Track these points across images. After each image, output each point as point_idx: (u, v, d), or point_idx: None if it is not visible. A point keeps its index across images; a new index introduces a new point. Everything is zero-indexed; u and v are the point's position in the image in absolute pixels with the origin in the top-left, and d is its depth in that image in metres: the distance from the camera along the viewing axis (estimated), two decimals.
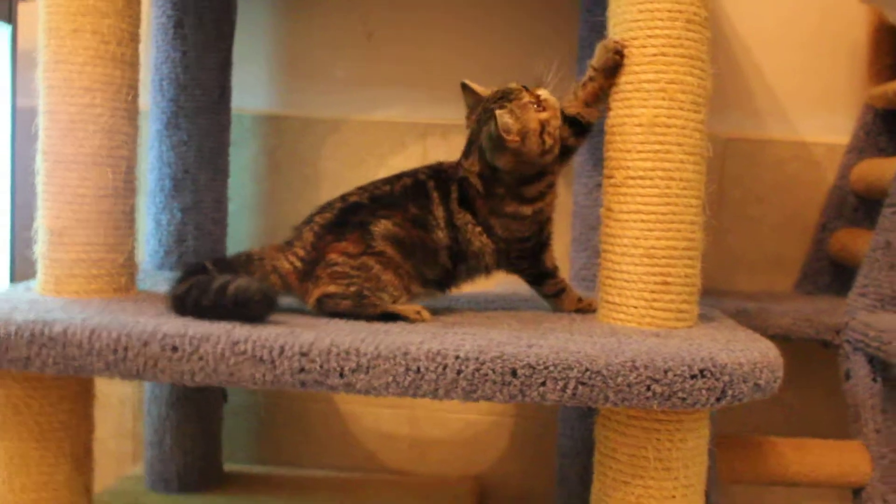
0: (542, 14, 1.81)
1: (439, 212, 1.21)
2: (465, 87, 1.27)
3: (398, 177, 1.24)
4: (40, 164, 1.27)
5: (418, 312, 1.19)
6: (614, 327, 1.19)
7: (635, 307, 1.20)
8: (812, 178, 1.79)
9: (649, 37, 1.17)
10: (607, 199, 1.23)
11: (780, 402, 1.73)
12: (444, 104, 1.83)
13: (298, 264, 1.18)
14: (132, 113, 1.30)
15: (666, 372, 0.99)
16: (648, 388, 1.00)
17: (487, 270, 1.27)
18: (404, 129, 1.82)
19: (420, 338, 1.05)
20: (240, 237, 1.83)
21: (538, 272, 1.29)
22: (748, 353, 1.05)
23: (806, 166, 1.79)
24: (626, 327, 1.19)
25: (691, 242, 1.19)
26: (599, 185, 1.51)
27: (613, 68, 1.19)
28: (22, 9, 1.71)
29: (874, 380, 1.46)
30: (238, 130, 1.77)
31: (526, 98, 1.21)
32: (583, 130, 1.25)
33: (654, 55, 1.17)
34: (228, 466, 1.79)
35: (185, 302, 1.12)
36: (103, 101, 1.26)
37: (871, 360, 1.46)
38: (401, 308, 1.18)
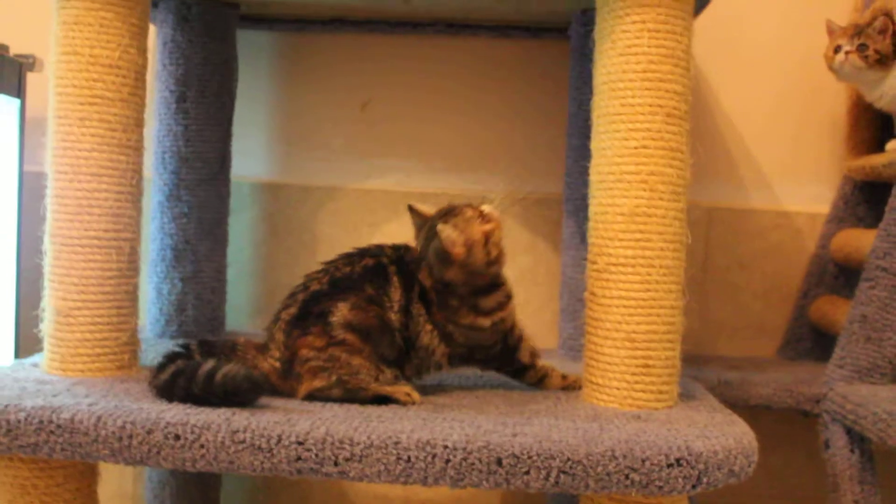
0: (532, 91, 1.88)
1: (396, 295, 1.25)
2: (411, 209, 1.33)
3: (361, 255, 1.28)
4: (48, 245, 1.33)
5: (408, 394, 1.24)
6: (597, 409, 1.24)
7: (617, 388, 1.25)
8: (794, 246, 1.85)
9: (631, 130, 1.23)
10: (591, 283, 1.28)
11: (763, 466, 1.76)
12: (437, 174, 1.89)
13: (277, 365, 1.23)
14: (136, 196, 1.36)
15: (643, 461, 1.04)
16: (627, 477, 1.04)
17: (439, 368, 1.30)
18: (398, 198, 1.87)
19: (411, 425, 1.09)
20: (239, 302, 1.88)
21: (514, 369, 1.33)
22: (723, 439, 1.10)
23: (788, 235, 1.85)
24: (608, 409, 1.24)
25: (672, 326, 1.25)
26: (587, 258, 1.58)
27: None
28: (30, 78, 1.77)
29: (852, 451, 1.50)
30: (237, 197, 1.83)
31: (469, 213, 1.26)
32: None
33: (636, 148, 1.23)
34: None
35: (174, 389, 1.16)
36: (109, 185, 1.32)
37: (849, 431, 1.50)
38: (391, 390, 1.23)
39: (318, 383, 1.21)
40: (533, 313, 1.87)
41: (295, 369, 1.22)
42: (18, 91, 1.73)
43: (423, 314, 1.26)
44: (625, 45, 1.23)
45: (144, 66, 1.36)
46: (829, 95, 1.83)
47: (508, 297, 1.31)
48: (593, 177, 1.28)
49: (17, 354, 1.72)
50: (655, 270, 1.23)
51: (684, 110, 1.25)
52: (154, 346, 1.59)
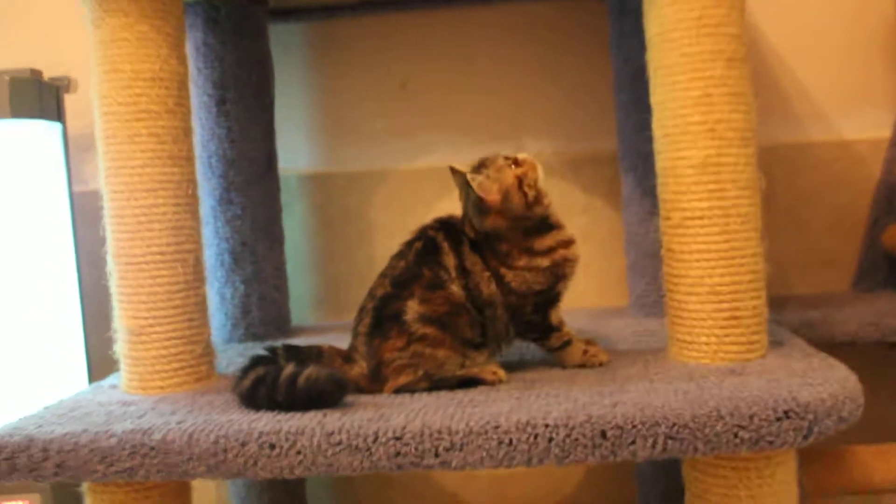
0: (572, 50, 1.83)
1: (449, 260, 1.23)
2: (452, 169, 1.31)
3: (410, 243, 1.27)
4: (112, 265, 1.32)
5: (494, 373, 1.22)
6: (688, 366, 1.21)
7: (707, 344, 1.22)
8: (858, 175, 1.79)
9: (692, 80, 1.19)
10: (667, 239, 1.25)
11: None
12: (484, 144, 1.86)
13: (366, 372, 1.22)
14: (194, 206, 1.34)
15: (751, 418, 1.01)
16: (736, 436, 1.01)
17: (507, 331, 1.27)
18: (448, 174, 1.84)
19: (507, 407, 1.07)
20: (301, 297, 1.87)
21: (545, 326, 1.28)
22: (828, 385, 1.06)
23: (850, 165, 1.80)
24: (699, 365, 1.21)
25: (755, 274, 1.21)
26: (650, 213, 1.56)
27: None
28: (67, 99, 1.76)
29: None
30: (286, 191, 1.81)
31: (500, 161, 1.24)
32: None
33: (699, 97, 1.19)
34: None
35: (256, 398, 1.15)
36: (166, 199, 1.30)
37: None
38: (476, 371, 1.21)
39: (403, 380, 1.19)
40: (597, 273, 1.84)
41: (382, 373, 1.20)
42: (58, 114, 1.73)
43: (479, 263, 1.24)
44: None
45: (186, 75, 1.34)
46: (877, 12, 1.77)
47: (571, 240, 1.27)
48: (657, 131, 1.24)
49: (91, 378, 1.72)
50: (733, 220, 1.19)
51: (744, 53, 1.21)
52: (224, 352, 1.59)
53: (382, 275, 1.27)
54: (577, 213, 1.83)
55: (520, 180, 1.23)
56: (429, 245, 1.25)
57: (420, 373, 1.19)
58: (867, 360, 1.66)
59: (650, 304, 1.63)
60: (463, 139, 1.87)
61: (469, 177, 1.22)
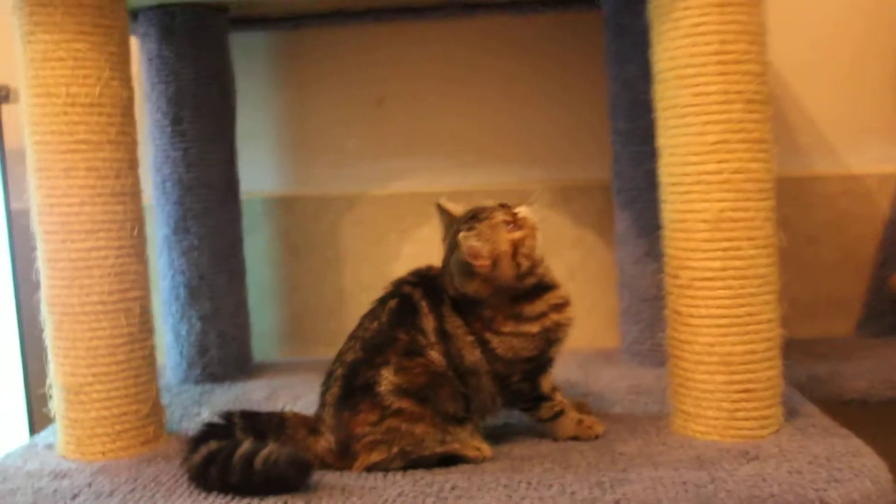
0: (564, 70, 1.69)
1: (428, 322, 1.09)
2: (439, 207, 1.17)
3: (383, 300, 1.13)
4: (46, 315, 1.17)
5: (477, 448, 1.08)
6: (694, 443, 1.08)
7: (716, 418, 1.09)
8: (865, 212, 1.67)
9: (707, 123, 1.06)
10: (673, 300, 1.12)
11: None
12: (467, 169, 1.71)
13: (334, 447, 1.07)
14: (139, 249, 1.20)
15: None
16: None
17: (493, 403, 1.12)
18: (427, 199, 1.68)
19: (494, 500, 0.93)
20: (262, 331, 1.72)
21: (534, 395, 1.14)
22: (858, 482, 0.94)
23: (858, 200, 1.67)
24: (707, 443, 1.08)
25: (771, 343, 1.09)
26: (646, 254, 1.43)
27: None
28: (5, 111, 1.60)
29: None
30: (250, 215, 1.66)
31: (499, 217, 1.09)
32: None
33: (715, 143, 1.06)
34: None
35: (207, 478, 1.01)
36: (107, 241, 1.15)
37: None
38: (458, 448, 1.08)
39: (375, 457, 1.05)
40: (587, 312, 1.70)
41: (353, 449, 1.06)
42: None
43: (461, 326, 1.10)
44: (690, 23, 1.06)
45: (131, 100, 1.19)
46: (888, 43, 1.65)
47: (565, 302, 1.13)
48: (665, 179, 1.11)
49: (30, 404, 1.57)
50: (749, 282, 1.07)
51: (765, 94, 1.08)
52: (178, 395, 1.45)
53: (353, 336, 1.12)
54: (567, 246, 1.70)
55: (515, 248, 1.08)
56: (405, 304, 1.11)
57: (395, 450, 1.05)
58: (876, 418, 1.55)
59: (644, 351, 1.50)
60: (443, 163, 1.72)
61: (461, 236, 1.07)
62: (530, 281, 1.10)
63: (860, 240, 1.68)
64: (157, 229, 1.54)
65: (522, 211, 1.11)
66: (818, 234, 1.68)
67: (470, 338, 1.09)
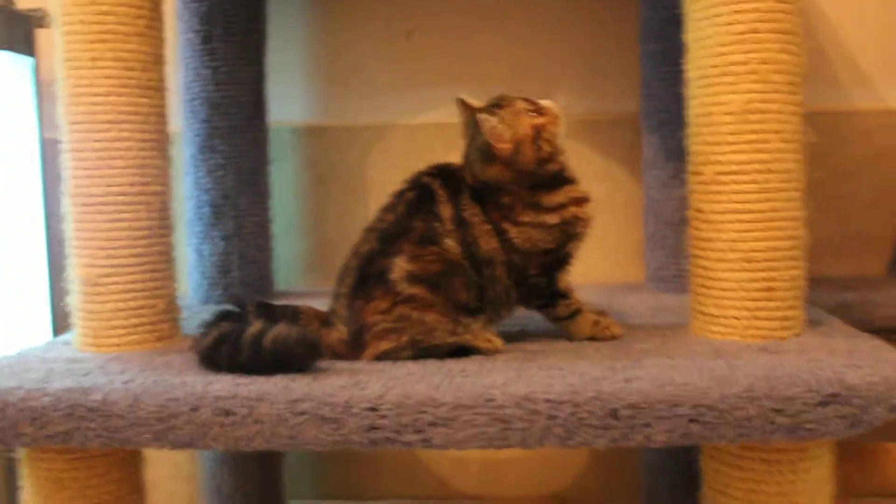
0: (591, 2, 1.67)
1: (446, 210, 1.08)
2: (460, 103, 1.16)
3: (401, 192, 1.12)
4: (68, 207, 1.17)
5: (489, 340, 1.07)
6: (715, 343, 1.06)
7: (737, 318, 1.07)
8: None
9: (736, 12, 1.03)
10: (695, 198, 1.10)
11: None
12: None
13: (345, 337, 1.06)
14: (163, 143, 1.19)
15: (791, 401, 0.86)
16: (771, 422, 0.86)
17: (508, 296, 1.11)
18: (454, 130, 1.68)
19: (503, 378, 0.92)
20: (287, 260, 1.72)
21: (551, 292, 1.12)
22: (879, 367, 0.91)
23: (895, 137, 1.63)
24: (727, 342, 1.06)
25: (795, 241, 1.06)
26: (673, 177, 1.41)
27: None
28: (41, 36, 1.61)
29: None
30: (277, 145, 1.66)
31: (520, 104, 1.09)
32: None
33: (743, 32, 1.03)
34: (292, 503, 1.69)
35: (216, 358, 1.01)
36: (131, 133, 1.15)
37: None
38: (469, 338, 1.06)
39: (385, 345, 1.04)
40: (613, 246, 1.68)
41: (364, 339, 1.05)
42: (29, 48, 1.58)
43: (479, 214, 1.09)
44: None
45: None
46: None
47: (585, 197, 1.12)
48: (692, 73, 1.09)
49: (55, 334, 1.58)
50: (774, 176, 1.04)
51: None
52: (199, 314, 1.43)
53: (369, 229, 1.11)
54: (594, 179, 1.66)
55: (537, 132, 1.08)
56: (423, 193, 1.10)
57: (405, 339, 1.04)
58: None
59: (669, 277, 1.48)
60: (471, 93, 1.70)
61: (481, 117, 1.07)
62: (552, 167, 1.09)
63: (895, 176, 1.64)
64: (184, 149, 1.54)
65: (545, 102, 1.10)
66: (854, 169, 1.64)
67: (487, 226, 1.08)
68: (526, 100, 1.10)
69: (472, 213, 1.08)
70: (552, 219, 1.09)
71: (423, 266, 1.05)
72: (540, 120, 1.08)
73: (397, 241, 1.07)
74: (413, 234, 1.07)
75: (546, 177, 1.10)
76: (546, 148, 1.08)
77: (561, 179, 1.11)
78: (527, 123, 1.07)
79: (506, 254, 1.08)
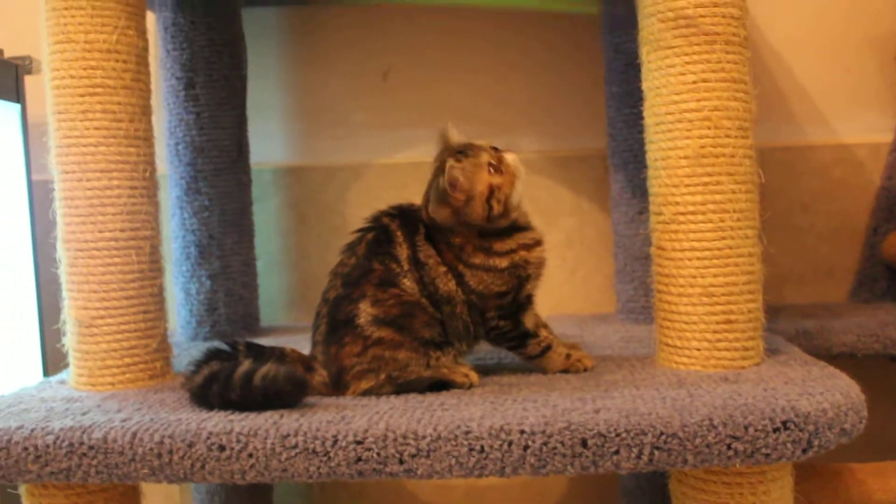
0: (565, 39, 1.75)
1: (402, 251, 1.13)
2: (442, 133, 1.20)
3: (363, 232, 1.17)
4: (61, 252, 1.22)
5: (466, 375, 1.13)
6: (678, 373, 1.12)
7: (698, 349, 1.13)
8: (857, 181, 1.72)
9: (688, 63, 1.11)
10: (657, 236, 1.16)
11: None
12: (469, 139, 1.76)
13: (327, 380, 1.12)
14: (151, 190, 1.25)
15: (746, 428, 0.93)
16: (729, 447, 0.93)
17: (468, 332, 1.16)
18: (429, 169, 1.75)
19: (479, 412, 0.98)
20: (271, 296, 1.77)
21: (518, 333, 1.17)
22: (830, 395, 0.98)
23: (850, 170, 1.72)
24: (690, 372, 1.12)
25: (751, 276, 1.13)
26: (641, 213, 1.47)
27: None
28: (28, 82, 1.67)
29: None
30: (259, 185, 1.72)
31: (484, 158, 1.13)
32: None
33: (696, 82, 1.11)
34: None
35: (208, 397, 1.06)
36: (120, 181, 1.21)
37: None
38: (446, 373, 1.12)
39: (365, 384, 1.10)
40: (584, 278, 1.75)
41: (344, 380, 1.11)
42: (17, 95, 1.63)
43: (434, 255, 1.13)
44: None
45: (145, 49, 1.25)
46: (878, 12, 1.70)
47: (537, 242, 1.17)
48: (649, 119, 1.16)
49: (46, 373, 1.62)
50: (729, 216, 1.11)
51: (743, 36, 1.13)
52: (187, 351, 1.49)
53: (334, 273, 1.17)
54: (565, 214, 1.75)
55: (490, 191, 1.11)
56: (381, 235, 1.15)
57: (382, 376, 1.10)
58: (865, 374, 1.58)
59: (638, 309, 1.55)
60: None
61: (448, 162, 1.11)
62: (501, 223, 1.14)
63: (852, 208, 1.72)
64: (170, 191, 1.60)
65: (509, 157, 1.15)
66: (811, 202, 1.72)
67: (443, 268, 1.13)
68: (492, 151, 1.15)
69: (426, 254, 1.13)
70: (502, 263, 1.14)
71: (384, 310, 1.11)
72: (496, 180, 1.12)
73: (360, 283, 1.12)
74: (373, 275, 1.12)
75: (495, 229, 1.14)
76: (497, 208, 1.12)
77: (513, 229, 1.16)
78: (484, 181, 1.12)
79: (465, 294, 1.14)
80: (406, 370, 1.10)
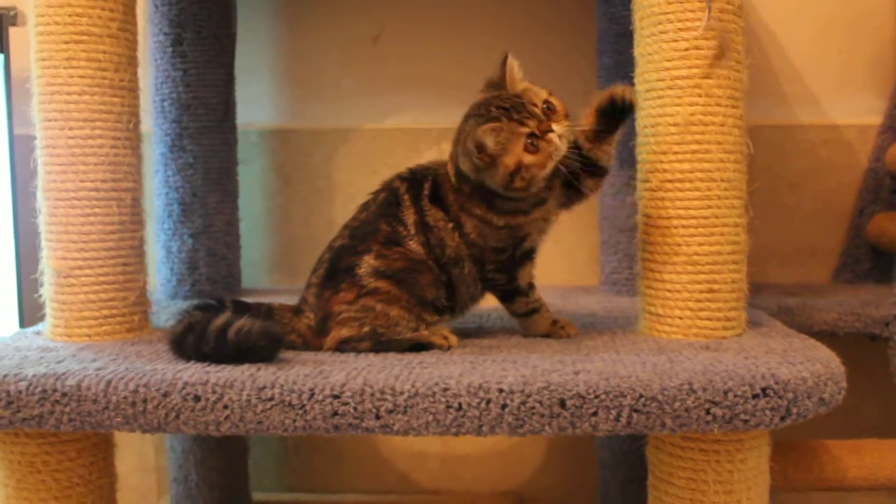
0: (556, 8, 1.73)
1: (409, 216, 1.12)
2: (505, 61, 1.12)
3: (377, 193, 1.17)
4: (42, 201, 1.21)
5: (445, 337, 1.12)
6: (660, 341, 1.12)
7: (680, 318, 1.13)
8: (845, 161, 1.71)
9: (680, 30, 1.10)
10: (643, 204, 1.16)
11: None
12: (456, 107, 1.72)
13: (312, 324, 1.12)
14: (134, 141, 1.24)
15: (725, 393, 0.92)
16: (708, 412, 0.92)
17: (475, 285, 1.15)
18: (417, 135, 1.75)
19: (458, 370, 0.98)
20: (254, 258, 1.76)
21: (510, 288, 1.15)
22: (810, 365, 0.98)
23: (838, 150, 1.72)
24: (672, 340, 1.12)
25: (736, 246, 1.13)
26: (627, 185, 1.46)
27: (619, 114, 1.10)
28: (13, 34, 1.64)
29: None
30: (245, 146, 1.71)
31: (526, 128, 1.06)
32: (596, 171, 1.13)
33: (687, 49, 1.10)
34: (257, 496, 1.73)
35: (183, 346, 1.06)
36: (103, 131, 1.19)
37: None
38: (425, 335, 1.11)
39: (345, 332, 1.10)
40: (568, 251, 1.74)
41: (328, 326, 1.11)
42: (1, 46, 1.61)
43: (442, 217, 1.12)
44: None
45: None
46: None
47: (536, 204, 1.12)
48: (639, 86, 1.15)
49: (22, 326, 1.61)
50: (716, 185, 1.10)
51: (738, 4, 1.12)
52: (166, 309, 1.48)
53: (345, 225, 1.17)
54: None
55: (518, 168, 1.06)
56: (391, 197, 1.15)
57: (366, 328, 1.09)
58: (845, 352, 1.59)
59: (622, 281, 1.54)
60: (434, 100, 1.77)
61: (480, 128, 1.05)
62: (519, 194, 1.09)
63: (839, 189, 1.72)
64: (154, 148, 1.58)
65: (556, 133, 1.06)
66: (798, 181, 1.72)
67: (450, 224, 1.12)
68: (542, 117, 1.07)
69: (434, 217, 1.12)
70: (499, 221, 1.12)
71: (387, 263, 1.11)
72: (529, 158, 1.05)
73: (366, 239, 1.12)
74: (379, 235, 1.12)
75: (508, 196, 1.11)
76: (518, 184, 1.07)
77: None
78: (515, 155, 1.06)
79: (467, 248, 1.12)
80: (393, 329, 1.10)
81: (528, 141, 1.06)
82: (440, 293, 1.13)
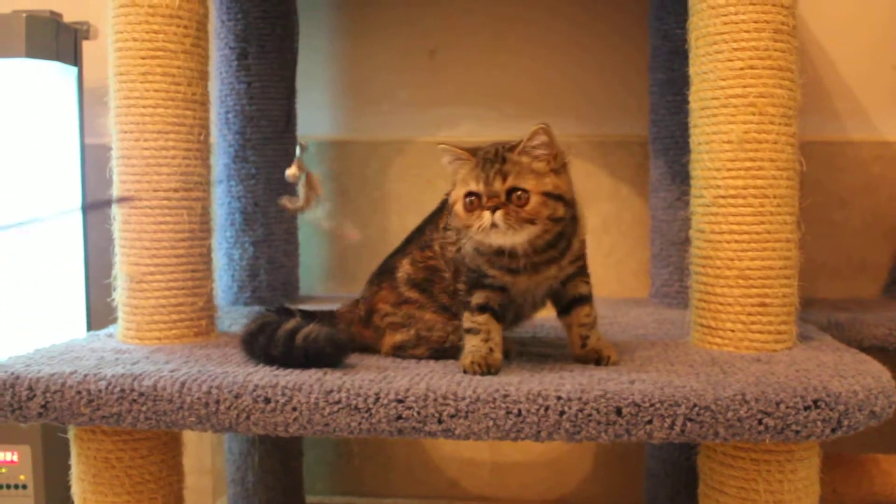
0: (609, 24, 1.77)
1: (443, 220, 1.16)
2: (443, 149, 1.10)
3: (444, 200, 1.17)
4: (116, 210, 1.26)
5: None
6: (712, 353, 1.14)
7: (732, 331, 1.16)
8: None
9: (735, 49, 1.13)
10: (697, 219, 1.19)
11: None
12: (510, 120, 1.79)
13: (362, 314, 1.19)
14: (205, 153, 1.29)
15: (778, 405, 0.95)
16: (760, 422, 0.95)
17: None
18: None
19: (518, 377, 1.01)
20: (311, 265, 1.81)
21: (464, 301, 1.10)
22: (861, 379, 1.00)
23: (890, 166, 1.73)
24: (724, 352, 1.15)
25: (788, 261, 1.15)
26: (679, 199, 1.49)
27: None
28: (86, 47, 1.71)
29: None
30: (304, 157, 1.75)
31: (476, 185, 1.02)
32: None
33: (742, 69, 1.12)
34: (310, 499, 1.78)
35: (254, 346, 1.12)
36: (176, 143, 1.25)
37: None
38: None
39: (400, 337, 1.16)
40: (618, 262, 1.77)
41: (374, 321, 1.18)
42: (75, 59, 1.67)
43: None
44: None
45: (206, 16, 1.29)
46: None
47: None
48: (694, 104, 1.18)
49: (90, 328, 1.67)
50: (769, 201, 1.13)
51: (792, 25, 1.14)
52: (228, 314, 1.53)
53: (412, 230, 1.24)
54: (603, 198, 1.77)
55: (452, 206, 1.06)
56: (441, 206, 1.19)
57: (412, 332, 1.15)
58: (895, 367, 1.60)
59: (672, 293, 1.57)
60: (488, 113, 1.81)
61: (487, 215, 1.01)
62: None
63: (890, 204, 1.73)
64: (218, 158, 1.64)
65: (486, 218, 1.01)
66: (849, 197, 1.73)
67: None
68: (497, 197, 1.01)
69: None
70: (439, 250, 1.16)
71: (416, 271, 1.16)
72: (459, 208, 1.04)
73: (411, 243, 1.19)
74: (421, 239, 1.18)
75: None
76: (450, 221, 1.10)
77: None
78: (456, 195, 1.06)
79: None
80: (432, 331, 1.14)
81: (468, 199, 1.03)
82: (454, 301, 1.15)
